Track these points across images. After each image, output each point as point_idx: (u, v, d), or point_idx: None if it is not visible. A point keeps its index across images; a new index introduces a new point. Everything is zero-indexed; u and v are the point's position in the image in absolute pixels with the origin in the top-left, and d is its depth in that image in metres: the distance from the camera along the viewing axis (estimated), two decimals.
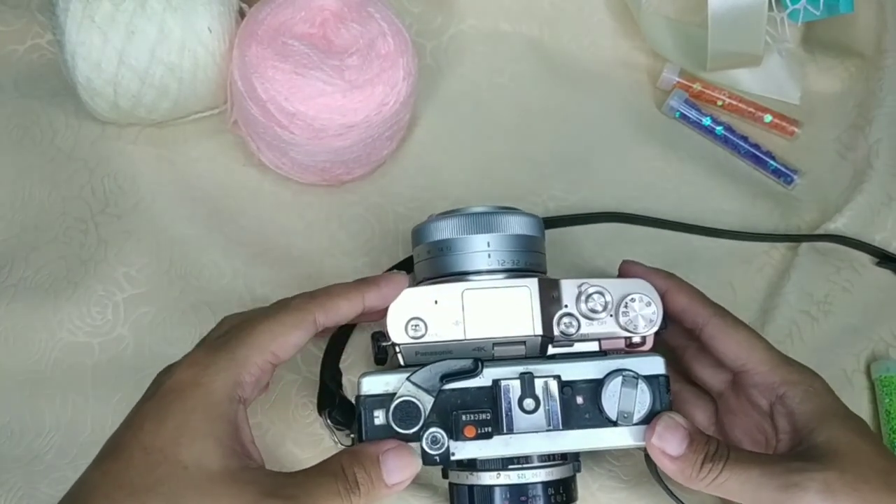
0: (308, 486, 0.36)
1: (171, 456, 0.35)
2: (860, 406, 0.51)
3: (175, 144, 0.55)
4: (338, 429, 0.44)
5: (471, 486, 0.41)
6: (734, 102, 0.59)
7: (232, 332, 0.39)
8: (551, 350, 0.41)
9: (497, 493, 0.40)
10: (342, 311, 0.41)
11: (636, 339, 0.42)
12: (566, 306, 0.41)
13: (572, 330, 0.41)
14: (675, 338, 0.47)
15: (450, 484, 0.43)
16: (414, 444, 0.38)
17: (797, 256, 0.54)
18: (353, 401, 0.41)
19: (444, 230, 0.42)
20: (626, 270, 0.45)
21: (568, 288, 0.41)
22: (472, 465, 0.41)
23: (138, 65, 0.49)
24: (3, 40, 0.57)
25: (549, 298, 0.41)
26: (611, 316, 0.41)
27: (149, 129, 0.55)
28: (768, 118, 0.59)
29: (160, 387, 0.37)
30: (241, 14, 0.52)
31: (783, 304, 0.52)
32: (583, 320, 0.41)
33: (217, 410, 0.36)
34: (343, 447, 0.43)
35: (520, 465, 0.40)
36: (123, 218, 0.53)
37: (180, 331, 0.50)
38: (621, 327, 0.41)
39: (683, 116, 0.59)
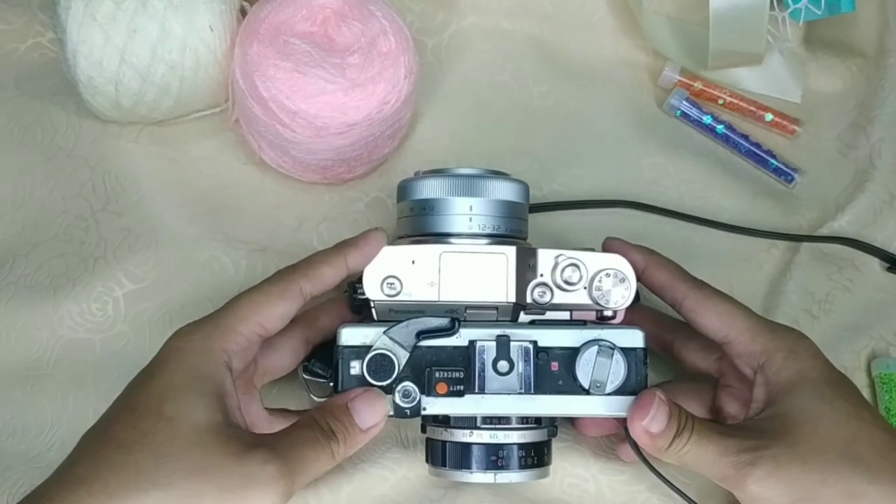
0: (290, 439, 0.37)
1: (155, 411, 0.36)
2: None
3: (176, 143, 0.55)
4: (318, 381, 0.45)
5: (444, 442, 0.42)
6: (735, 101, 0.59)
7: (220, 307, 0.40)
8: (523, 317, 0.42)
9: (469, 451, 0.41)
10: (327, 277, 0.42)
11: (607, 313, 0.42)
12: (542, 275, 0.41)
13: (545, 299, 0.41)
14: (662, 332, 0.47)
15: (426, 439, 0.44)
16: (387, 397, 0.40)
17: (798, 255, 0.54)
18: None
19: (429, 189, 0.42)
20: (608, 246, 0.46)
21: (545, 258, 0.42)
22: (446, 421, 0.42)
23: (140, 63, 0.49)
24: (4, 38, 0.57)
25: (526, 267, 0.41)
26: (584, 288, 0.41)
27: (150, 128, 0.55)
28: (769, 117, 0.59)
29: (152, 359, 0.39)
30: (243, 12, 0.52)
31: (784, 303, 0.52)
32: (556, 290, 0.41)
33: (201, 371, 0.37)
34: (318, 400, 0.45)
35: (493, 426, 0.41)
36: (124, 216, 0.53)
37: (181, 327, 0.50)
38: (593, 300, 0.41)
39: (684, 115, 0.59)
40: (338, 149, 0.50)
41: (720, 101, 0.59)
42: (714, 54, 0.56)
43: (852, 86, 0.60)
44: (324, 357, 0.45)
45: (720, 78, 0.59)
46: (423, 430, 0.44)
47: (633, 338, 0.41)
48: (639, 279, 0.45)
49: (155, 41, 0.48)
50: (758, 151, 0.58)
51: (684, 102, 0.58)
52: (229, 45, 0.50)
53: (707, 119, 0.58)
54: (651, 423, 0.39)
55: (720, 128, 0.58)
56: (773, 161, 0.57)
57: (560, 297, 0.41)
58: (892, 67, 0.58)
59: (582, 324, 0.42)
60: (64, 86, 0.53)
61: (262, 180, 0.54)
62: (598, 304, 0.41)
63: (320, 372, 0.44)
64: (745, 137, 0.58)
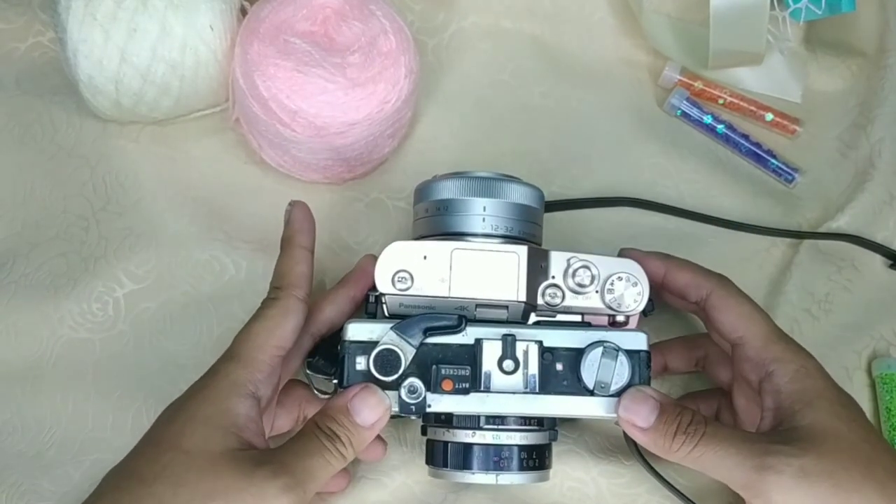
0: (295, 450, 0.38)
1: (176, 445, 0.37)
2: (860, 403, 0.50)
3: (176, 142, 0.55)
4: (322, 377, 0.45)
5: (446, 443, 0.42)
6: (735, 101, 0.59)
7: (234, 341, 0.41)
8: (533, 318, 0.42)
9: (471, 452, 0.41)
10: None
11: (620, 318, 0.42)
12: (553, 277, 0.41)
13: (557, 301, 0.41)
14: (693, 350, 0.47)
15: (427, 440, 0.44)
16: (392, 393, 0.40)
17: (798, 254, 0.54)
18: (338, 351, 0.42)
19: (443, 190, 0.43)
20: (624, 256, 0.46)
21: (557, 259, 0.42)
22: (448, 421, 0.42)
23: (140, 62, 0.49)
24: (4, 38, 0.57)
25: (537, 268, 0.41)
26: (596, 292, 0.41)
27: (150, 127, 0.55)
28: (769, 117, 0.59)
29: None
30: (243, 12, 0.52)
31: (784, 303, 0.52)
32: (568, 293, 0.42)
33: (221, 405, 0.39)
34: (321, 395, 0.45)
35: (496, 427, 0.41)
36: (124, 215, 0.53)
37: (181, 327, 0.50)
38: (605, 304, 0.41)
39: (685, 115, 0.59)
40: (338, 148, 0.50)
41: (720, 101, 0.59)
42: (714, 54, 0.56)
43: (852, 85, 0.60)
44: (327, 353, 0.45)
45: (720, 78, 0.59)
46: (424, 431, 0.44)
47: (637, 340, 0.41)
48: (661, 286, 0.44)
49: (155, 40, 0.48)
50: (758, 151, 0.58)
51: (685, 102, 0.58)
52: (229, 44, 0.50)
53: (707, 119, 0.58)
54: (636, 417, 0.39)
55: (720, 127, 0.58)
56: (773, 161, 0.57)
57: (571, 300, 0.41)
58: (893, 67, 0.58)
59: (587, 325, 0.42)
60: (64, 85, 0.53)
61: (262, 180, 0.54)
62: (610, 307, 0.41)
63: (324, 368, 0.45)
64: (746, 137, 0.58)
